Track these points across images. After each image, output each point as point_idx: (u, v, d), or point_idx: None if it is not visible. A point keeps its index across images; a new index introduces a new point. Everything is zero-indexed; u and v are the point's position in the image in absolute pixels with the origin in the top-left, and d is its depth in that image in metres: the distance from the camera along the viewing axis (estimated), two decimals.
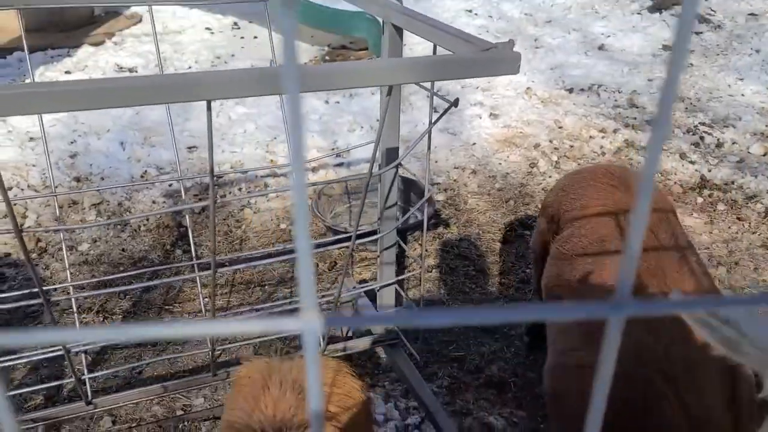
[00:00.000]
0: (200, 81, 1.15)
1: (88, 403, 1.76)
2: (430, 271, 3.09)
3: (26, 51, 2.16)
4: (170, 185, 3.71)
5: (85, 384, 1.83)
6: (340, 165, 3.94)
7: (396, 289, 2.32)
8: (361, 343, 2.36)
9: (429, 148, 1.87)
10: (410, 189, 3.41)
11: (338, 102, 4.68)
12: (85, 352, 2.23)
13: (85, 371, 1.98)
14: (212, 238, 1.59)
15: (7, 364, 1.99)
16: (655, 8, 6.51)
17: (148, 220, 3.46)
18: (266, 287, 3.00)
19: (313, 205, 3.28)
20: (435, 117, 1.66)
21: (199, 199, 3.67)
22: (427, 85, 1.54)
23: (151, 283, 2.28)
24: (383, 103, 1.66)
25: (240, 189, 3.77)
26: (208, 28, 6.01)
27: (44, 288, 1.78)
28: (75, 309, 2.34)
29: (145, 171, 3.86)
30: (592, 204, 1.90)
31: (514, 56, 1.18)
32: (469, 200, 3.67)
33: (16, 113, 1.16)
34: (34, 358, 2.03)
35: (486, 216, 3.54)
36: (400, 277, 2.41)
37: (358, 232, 2.85)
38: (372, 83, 1.38)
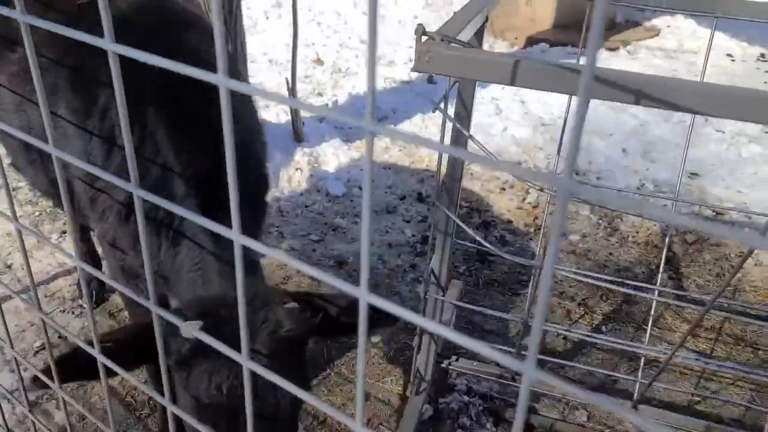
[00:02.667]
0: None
1: (634, 406, 1.80)
2: None
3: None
4: (664, 206, 3.60)
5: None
6: None
7: None
8: None
9: None
10: None
11: None
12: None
13: (640, 375, 2.00)
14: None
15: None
16: None
17: (637, 232, 3.42)
18: (760, 351, 2.67)
19: None
20: None
21: (693, 230, 3.47)
22: None
23: (632, 291, 2.23)
24: None
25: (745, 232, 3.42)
26: (728, 55, 5.61)
27: (533, 261, 1.86)
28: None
29: (643, 184, 3.82)
30: None
31: None
32: None
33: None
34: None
35: None
36: None
37: None
38: None
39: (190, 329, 1.22)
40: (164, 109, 1.33)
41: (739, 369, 2.50)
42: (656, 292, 2.00)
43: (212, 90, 1.61)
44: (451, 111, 1.40)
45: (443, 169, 1.52)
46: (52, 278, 2.72)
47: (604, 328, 2.79)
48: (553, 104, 4.66)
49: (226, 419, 1.15)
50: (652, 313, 2.11)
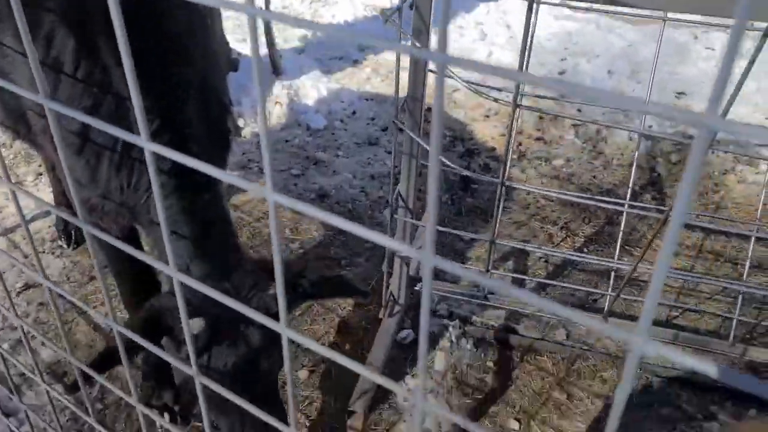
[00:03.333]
0: None
1: (604, 317, 1.82)
2: None
3: None
4: (650, 126, 3.56)
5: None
6: None
7: None
8: None
9: None
10: None
11: None
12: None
13: (610, 289, 2.03)
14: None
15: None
16: None
17: (622, 154, 3.40)
18: (738, 266, 2.69)
19: None
20: None
21: (678, 149, 3.45)
22: None
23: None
24: None
25: (726, 152, 3.40)
26: None
27: (506, 183, 1.86)
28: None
29: None
30: None
31: None
32: None
33: None
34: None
35: None
36: None
37: None
38: None
39: (196, 326, 1.30)
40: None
41: (706, 281, 2.53)
42: (626, 204, 2.00)
43: (169, 19, 1.56)
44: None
45: (404, 91, 1.48)
46: (30, 220, 2.71)
47: (585, 250, 2.80)
48: (539, 26, 4.53)
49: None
50: (622, 227, 2.11)
